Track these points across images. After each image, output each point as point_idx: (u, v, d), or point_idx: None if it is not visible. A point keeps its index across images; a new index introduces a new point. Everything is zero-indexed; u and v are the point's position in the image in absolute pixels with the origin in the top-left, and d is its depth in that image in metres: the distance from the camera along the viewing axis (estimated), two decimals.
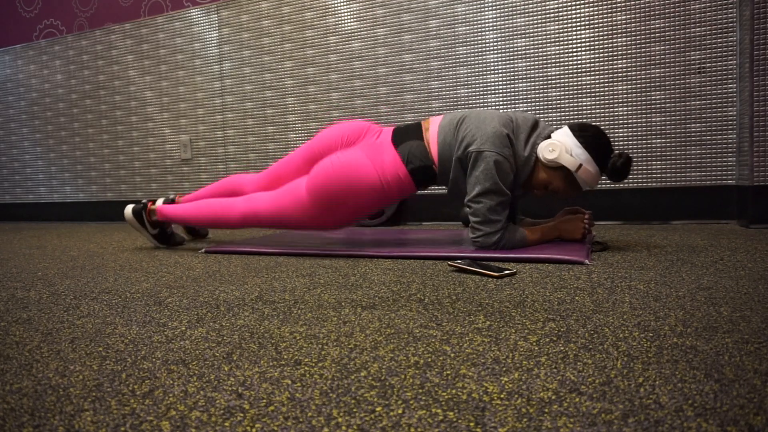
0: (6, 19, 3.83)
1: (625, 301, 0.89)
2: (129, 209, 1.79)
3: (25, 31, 3.74)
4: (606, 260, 1.31)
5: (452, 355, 0.65)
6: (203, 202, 1.70)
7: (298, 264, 1.42)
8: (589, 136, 1.36)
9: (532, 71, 2.35)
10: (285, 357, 0.67)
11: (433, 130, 1.50)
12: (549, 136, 1.42)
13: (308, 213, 1.54)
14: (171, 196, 1.94)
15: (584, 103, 2.27)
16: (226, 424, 0.49)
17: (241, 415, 0.51)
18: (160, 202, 1.86)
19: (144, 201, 1.83)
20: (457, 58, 2.48)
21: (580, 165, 1.35)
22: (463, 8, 2.45)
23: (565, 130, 1.39)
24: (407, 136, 1.51)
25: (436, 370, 0.61)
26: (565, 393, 0.53)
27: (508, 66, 2.39)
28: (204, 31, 3.06)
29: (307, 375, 0.60)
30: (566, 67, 2.29)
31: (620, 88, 2.22)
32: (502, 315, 0.83)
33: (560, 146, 1.35)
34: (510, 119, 1.44)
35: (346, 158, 1.48)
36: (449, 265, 1.24)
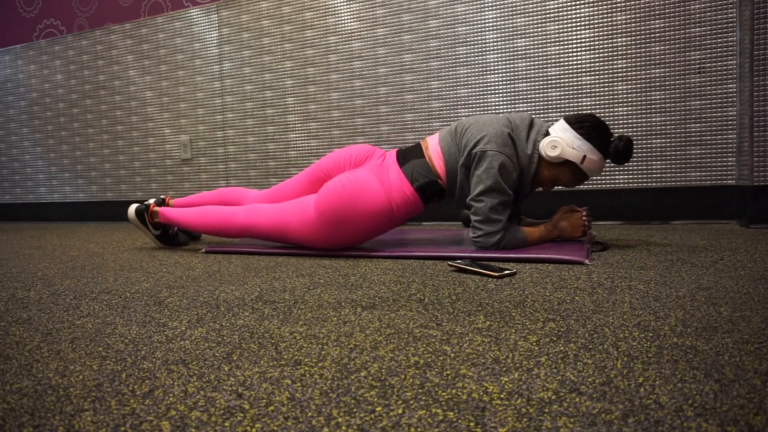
0: (6, 19, 3.83)
1: (625, 301, 0.89)
2: (132, 209, 1.80)
3: (25, 31, 3.74)
4: (606, 260, 1.31)
5: (452, 355, 0.65)
6: (206, 208, 1.68)
7: (298, 264, 1.42)
8: (587, 126, 1.40)
9: (532, 71, 2.35)
10: (285, 357, 0.67)
11: (433, 145, 1.50)
12: (547, 132, 1.44)
13: (314, 230, 1.50)
14: (162, 197, 1.95)
15: (584, 103, 2.27)
16: (226, 424, 0.49)
17: (241, 415, 0.51)
18: (150, 202, 1.86)
19: (146, 202, 1.83)
20: (457, 58, 2.48)
21: (584, 156, 1.39)
22: (463, 8, 2.45)
23: (563, 124, 1.42)
24: (411, 155, 1.51)
25: (436, 370, 0.61)
26: (565, 393, 0.53)
27: (508, 66, 2.39)
28: (204, 31, 3.06)
29: (307, 375, 0.60)
30: (566, 67, 2.29)
31: (620, 88, 2.22)
32: (502, 315, 0.83)
33: (561, 142, 1.38)
34: (508, 120, 1.47)
35: (356, 177, 1.46)
36: (449, 265, 1.24)
